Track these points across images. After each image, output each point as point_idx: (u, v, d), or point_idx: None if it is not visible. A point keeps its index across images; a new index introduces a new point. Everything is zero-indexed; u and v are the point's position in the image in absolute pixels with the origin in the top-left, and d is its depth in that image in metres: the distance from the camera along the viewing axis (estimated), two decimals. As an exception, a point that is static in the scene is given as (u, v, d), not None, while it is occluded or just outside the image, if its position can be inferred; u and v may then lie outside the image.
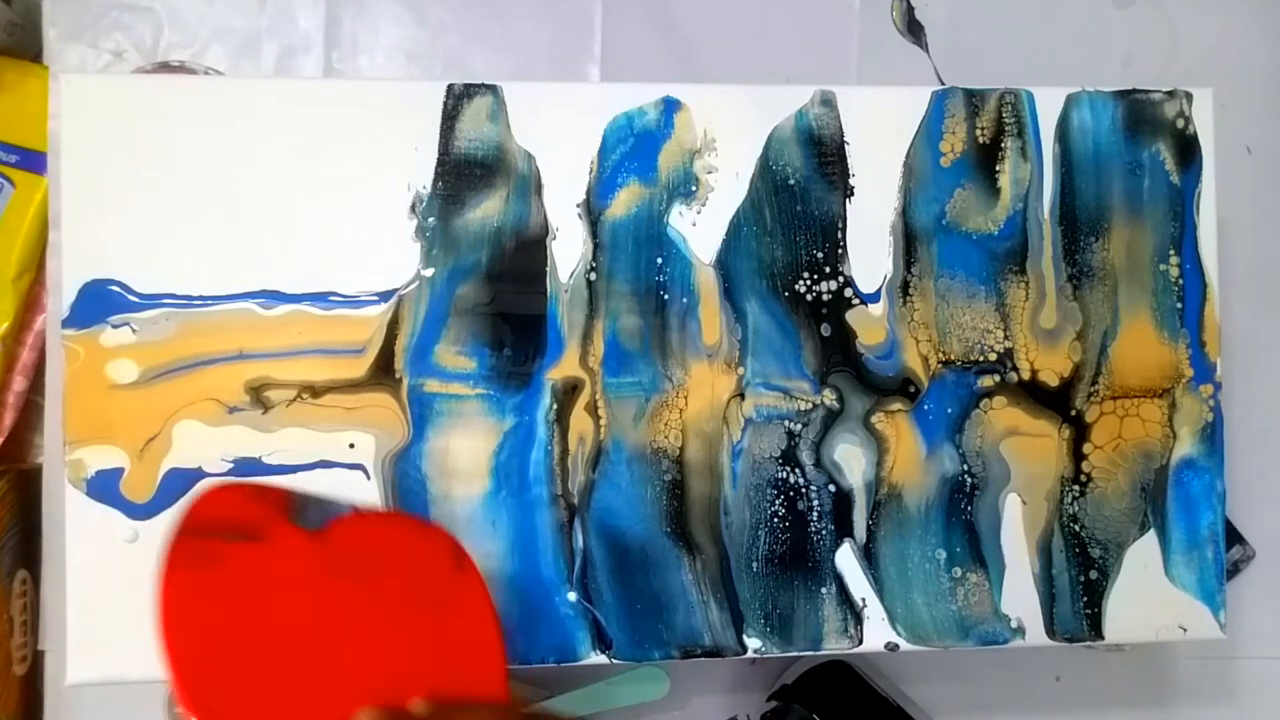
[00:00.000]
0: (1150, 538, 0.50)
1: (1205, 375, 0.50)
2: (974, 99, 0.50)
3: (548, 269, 0.47)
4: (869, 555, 0.48)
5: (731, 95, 0.49)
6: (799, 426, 0.48)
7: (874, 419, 0.48)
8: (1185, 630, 0.50)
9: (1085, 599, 0.49)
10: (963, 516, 0.49)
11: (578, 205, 0.47)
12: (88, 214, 0.45)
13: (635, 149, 0.48)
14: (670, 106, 0.48)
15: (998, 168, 0.50)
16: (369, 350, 0.46)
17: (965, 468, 0.49)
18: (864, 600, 0.48)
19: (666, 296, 0.48)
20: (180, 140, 0.45)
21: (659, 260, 0.48)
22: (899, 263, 0.49)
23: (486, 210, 0.47)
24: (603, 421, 0.47)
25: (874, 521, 0.48)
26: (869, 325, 0.49)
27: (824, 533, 0.48)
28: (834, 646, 0.48)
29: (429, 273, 0.46)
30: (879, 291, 0.49)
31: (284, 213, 0.46)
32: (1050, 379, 0.50)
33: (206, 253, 0.45)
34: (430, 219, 0.46)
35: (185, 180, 0.45)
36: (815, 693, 0.55)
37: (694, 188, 0.48)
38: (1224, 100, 0.54)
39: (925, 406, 0.49)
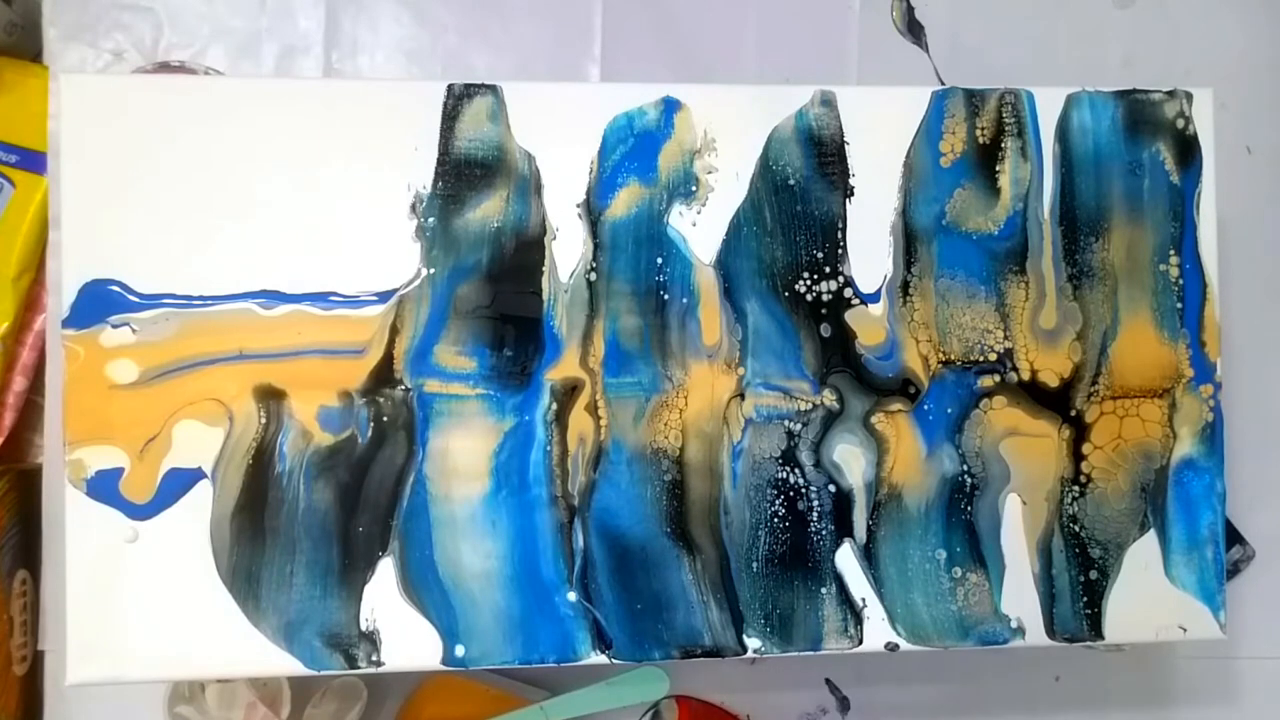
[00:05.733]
0: (1150, 538, 0.50)
1: (1205, 375, 0.50)
2: (974, 99, 0.50)
3: (547, 269, 0.47)
4: (869, 555, 0.48)
5: (731, 95, 0.49)
6: (799, 426, 0.48)
7: (874, 419, 0.48)
8: (1185, 630, 0.50)
9: (1085, 599, 0.49)
10: (963, 516, 0.49)
11: (578, 205, 0.47)
12: (88, 214, 0.45)
13: (635, 149, 0.48)
14: (670, 106, 0.48)
15: (998, 168, 0.50)
16: (369, 351, 0.46)
17: (965, 468, 0.49)
18: (864, 600, 0.48)
19: (666, 296, 0.48)
20: (180, 140, 0.45)
21: (659, 260, 0.48)
22: (899, 263, 0.49)
23: (486, 210, 0.47)
24: (603, 422, 0.47)
25: (874, 522, 0.48)
26: (869, 325, 0.49)
27: (824, 533, 0.48)
28: (834, 646, 0.48)
29: (429, 273, 0.46)
30: (879, 291, 0.49)
31: (284, 213, 0.46)
32: (1050, 379, 0.50)
33: (206, 253, 0.45)
34: (430, 219, 0.46)
35: (185, 180, 0.45)
36: None
37: (694, 188, 0.48)
38: (1224, 100, 0.54)
39: (925, 407, 0.49)
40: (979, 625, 0.49)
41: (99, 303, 0.45)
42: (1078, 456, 0.50)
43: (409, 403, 0.46)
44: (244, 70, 0.57)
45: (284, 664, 0.45)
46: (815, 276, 0.48)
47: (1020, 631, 0.49)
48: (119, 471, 0.44)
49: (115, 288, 0.45)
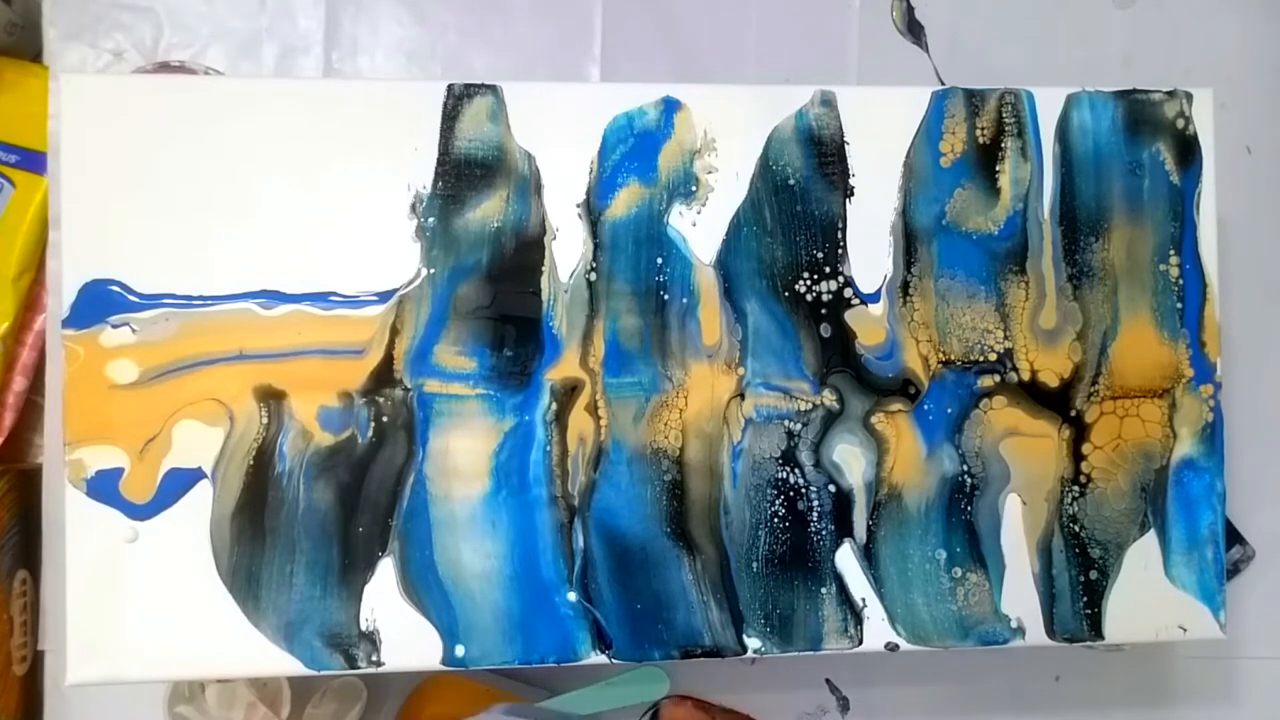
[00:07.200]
0: (1150, 538, 0.50)
1: (1205, 375, 0.50)
2: (974, 99, 0.50)
3: (547, 269, 0.47)
4: (869, 555, 0.48)
5: (731, 95, 0.49)
6: (799, 427, 0.48)
7: (874, 419, 0.48)
8: (1185, 630, 0.50)
9: (1085, 599, 0.49)
10: (963, 516, 0.49)
11: (578, 205, 0.47)
12: (88, 214, 0.45)
13: (635, 149, 0.48)
14: (670, 106, 0.48)
15: (998, 168, 0.50)
16: (370, 351, 0.46)
17: (965, 468, 0.49)
18: (864, 600, 0.48)
19: (666, 296, 0.48)
20: (180, 140, 0.45)
21: (659, 260, 0.48)
22: (899, 263, 0.49)
23: (486, 210, 0.47)
24: (603, 422, 0.47)
25: (874, 522, 0.48)
26: (869, 325, 0.49)
27: (824, 533, 0.48)
28: (834, 646, 0.48)
29: (429, 273, 0.46)
30: (879, 291, 0.49)
31: (284, 213, 0.46)
32: (1050, 379, 0.50)
33: (206, 253, 0.45)
34: (430, 219, 0.46)
35: (185, 180, 0.45)
36: None
37: (694, 188, 0.48)
38: (1224, 100, 0.54)
39: (925, 407, 0.49)
40: (979, 625, 0.49)
41: (99, 303, 0.45)
42: (1078, 456, 0.50)
43: (409, 403, 0.46)
44: (244, 70, 0.57)
45: (284, 664, 0.45)
46: (815, 276, 0.48)
47: (1020, 631, 0.49)
48: (119, 471, 0.44)
49: (115, 288, 0.45)
